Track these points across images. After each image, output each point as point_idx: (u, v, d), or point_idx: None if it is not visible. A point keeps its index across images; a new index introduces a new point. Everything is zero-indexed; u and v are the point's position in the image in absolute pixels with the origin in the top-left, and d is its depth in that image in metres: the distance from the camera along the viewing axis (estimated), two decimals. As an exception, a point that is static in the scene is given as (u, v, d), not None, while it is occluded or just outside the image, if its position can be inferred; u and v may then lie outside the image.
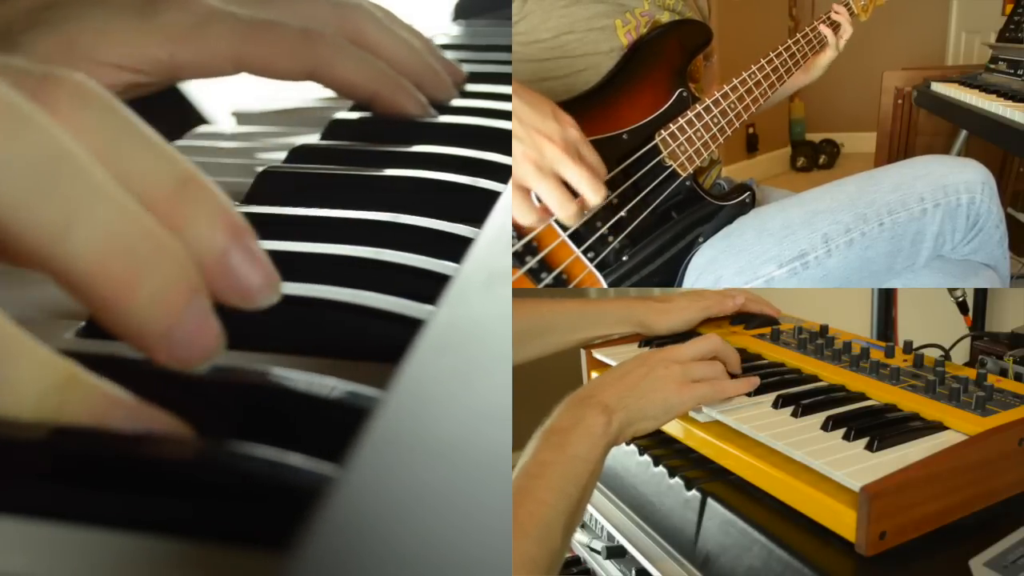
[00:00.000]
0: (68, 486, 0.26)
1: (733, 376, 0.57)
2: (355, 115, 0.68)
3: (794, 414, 0.52)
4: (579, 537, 0.68)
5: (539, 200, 0.57)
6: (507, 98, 0.70)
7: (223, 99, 0.75)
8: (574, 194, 0.57)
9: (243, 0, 0.66)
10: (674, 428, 0.59)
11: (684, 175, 0.67)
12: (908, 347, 0.64)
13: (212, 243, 0.30)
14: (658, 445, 0.61)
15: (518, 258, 0.62)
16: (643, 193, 0.65)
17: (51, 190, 0.27)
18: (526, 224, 0.59)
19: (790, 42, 0.76)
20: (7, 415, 0.27)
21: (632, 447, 0.63)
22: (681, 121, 0.67)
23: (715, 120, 0.68)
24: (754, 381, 0.56)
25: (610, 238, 0.63)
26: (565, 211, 0.57)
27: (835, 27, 0.81)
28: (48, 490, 0.26)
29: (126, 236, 0.28)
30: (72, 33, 0.57)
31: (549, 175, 0.55)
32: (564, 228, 0.63)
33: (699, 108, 0.68)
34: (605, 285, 0.65)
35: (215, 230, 0.30)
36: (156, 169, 0.30)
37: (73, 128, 0.28)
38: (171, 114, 0.64)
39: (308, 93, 0.77)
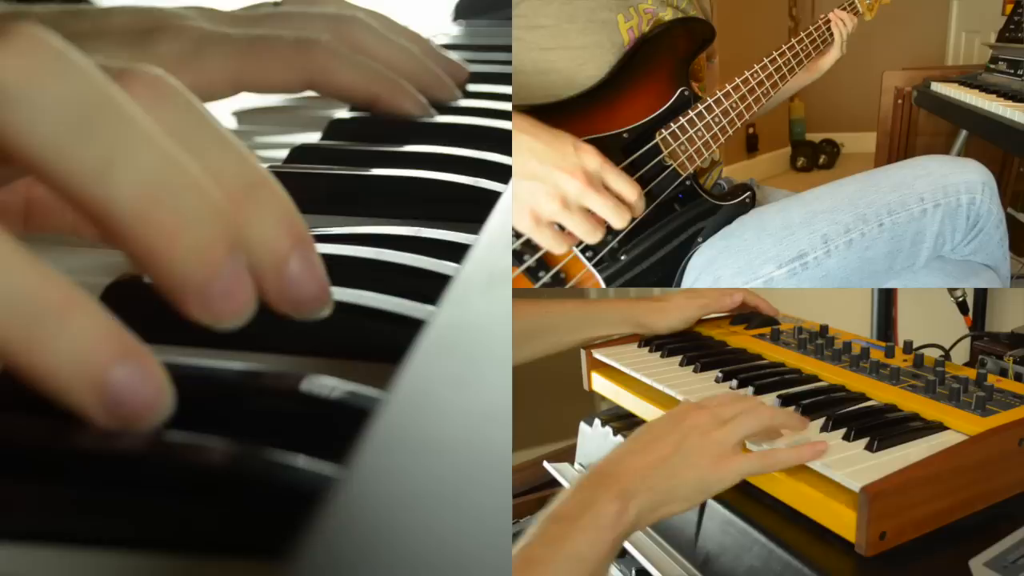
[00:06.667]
0: (56, 487, 0.26)
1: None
2: (355, 115, 0.68)
3: (794, 414, 0.52)
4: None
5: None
6: (507, 98, 0.70)
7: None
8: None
9: (237, 19, 0.66)
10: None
11: (684, 175, 0.67)
12: (908, 347, 0.64)
13: (274, 247, 0.30)
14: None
15: (516, 256, 0.62)
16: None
17: (92, 132, 0.27)
18: (559, 253, 0.62)
19: (793, 41, 0.76)
20: None
21: (632, 447, 0.63)
22: (682, 120, 0.67)
23: (716, 120, 0.68)
24: (820, 448, 0.45)
25: (609, 237, 0.63)
26: (594, 238, 0.60)
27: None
28: (34, 503, 0.26)
29: (169, 184, 0.28)
30: None
31: (576, 210, 0.58)
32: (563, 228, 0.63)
33: (700, 108, 0.68)
34: (603, 284, 0.65)
35: (278, 235, 0.30)
36: (227, 167, 0.30)
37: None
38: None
39: (308, 92, 0.77)
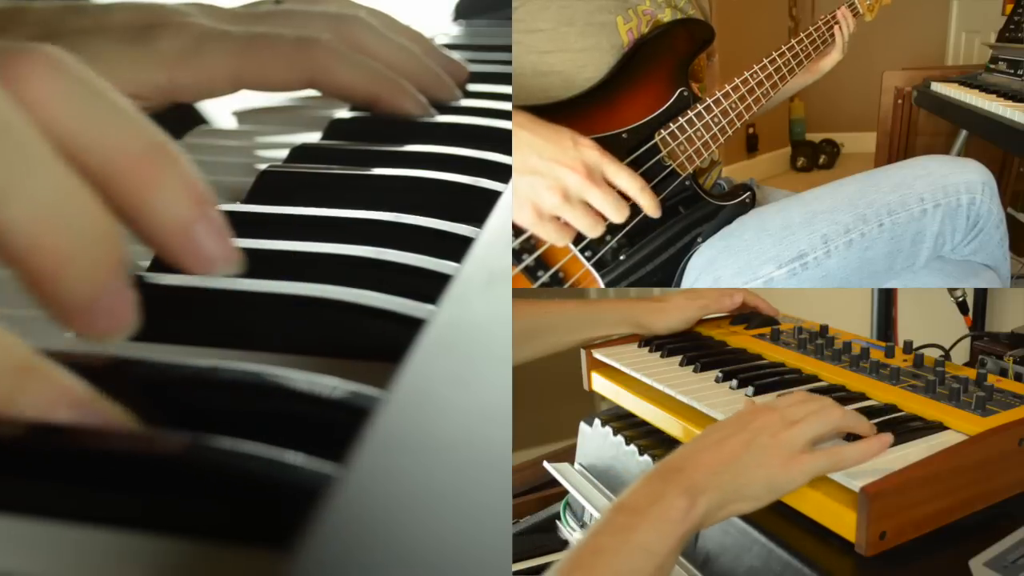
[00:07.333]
0: (64, 484, 0.26)
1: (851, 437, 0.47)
2: (356, 114, 0.68)
3: (794, 414, 0.52)
4: (579, 536, 0.68)
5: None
6: (507, 98, 0.70)
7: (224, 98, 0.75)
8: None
9: (238, 16, 0.66)
10: (674, 428, 0.59)
11: (684, 175, 0.67)
12: (908, 347, 0.64)
13: (177, 210, 0.31)
14: (659, 445, 0.61)
15: (515, 256, 0.62)
16: (643, 193, 0.65)
17: None
18: (561, 245, 0.62)
19: (793, 42, 0.76)
20: None
21: (632, 447, 0.63)
22: (681, 120, 0.67)
23: (715, 120, 0.68)
24: (885, 440, 0.45)
25: (608, 237, 0.63)
26: (595, 232, 0.61)
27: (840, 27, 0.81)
28: (46, 488, 0.26)
29: (63, 210, 0.28)
30: None
31: (576, 203, 0.59)
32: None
33: (699, 108, 0.68)
34: (603, 284, 0.65)
35: (180, 198, 0.31)
36: (125, 136, 0.31)
37: (42, 95, 0.29)
38: (171, 113, 0.64)
39: (309, 92, 0.77)
